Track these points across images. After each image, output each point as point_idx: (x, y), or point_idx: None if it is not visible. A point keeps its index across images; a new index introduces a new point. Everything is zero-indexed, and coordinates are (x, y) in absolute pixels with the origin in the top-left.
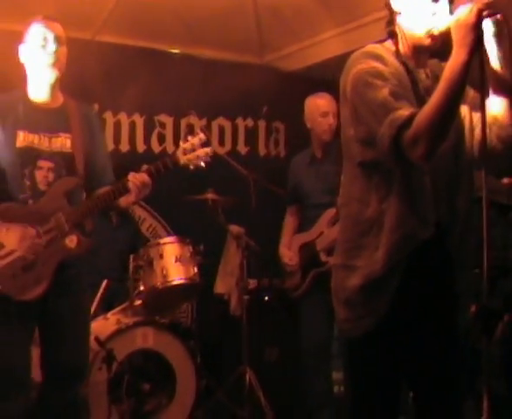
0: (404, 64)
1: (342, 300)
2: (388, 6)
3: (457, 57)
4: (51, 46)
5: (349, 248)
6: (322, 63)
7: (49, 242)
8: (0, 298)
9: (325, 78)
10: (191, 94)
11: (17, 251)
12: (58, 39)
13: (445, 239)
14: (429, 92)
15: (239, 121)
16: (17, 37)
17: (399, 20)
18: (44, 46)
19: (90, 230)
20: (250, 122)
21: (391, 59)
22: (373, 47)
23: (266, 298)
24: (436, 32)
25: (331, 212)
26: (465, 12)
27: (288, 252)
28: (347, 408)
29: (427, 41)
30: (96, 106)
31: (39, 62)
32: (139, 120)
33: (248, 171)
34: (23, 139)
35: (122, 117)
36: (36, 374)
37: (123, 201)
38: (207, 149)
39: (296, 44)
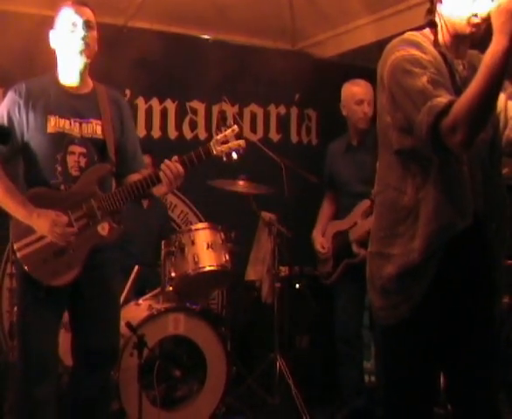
0: (442, 54)
1: (377, 288)
2: None
3: (497, 43)
4: (81, 32)
5: (385, 236)
6: (356, 50)
7: (81, 228)
8: (30, 283)
9: (359, 65)
10: (224, 81)
11: (48, 238)
12: (87, 24)
13: (482, 229)
14: (466, 83)
15: (272, 108)
16: (47, 23)
17: (440, 9)
18: (73, 32)
19: (120, 218)
20: (282, 109)
21: (430, 48)
22: (412, 34)
23: (298, 285)
24: (477, 19)
25: (366, 203)
26: None
27: (321, 238)
28: (378, 398)
29: (468, 29)
30: (128, 92)
31: (69, 47)
32: (171, 107)
33: (280, 158)
34: (54, 124)
35: (154, 103)
36: (67, 358)
37: (156, 190)
38: (240, 141)
39: (330, 30)
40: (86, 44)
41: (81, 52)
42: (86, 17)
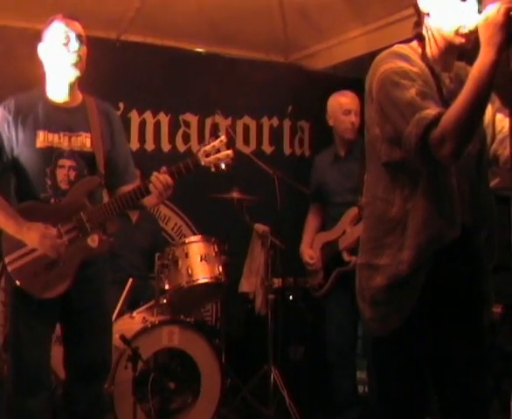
0: (429, 67)
1: (367, 299)
2: (416, 8)
3: (485, 56)
4: (74, 45)
5: (373, 247)
6: (348, 62)
7: (71, 241)
8: (22, 296)
9: (351, 77)
10: (216, 93)
11: (39, 250)
12: (79, 38)
13: (470, 239)
14: (453, 96)
15: (264, 120)
16: (39, 37)
17: (428, 21)
18: (66, 45)
19: (114, 230)
20: (275, 121)
21: (418, 61)
22: (400, 47)
23: (291, 297)
24: (464, 30)
25: (354, 211)
26: (493, 11)
27: (308, 251)
28: (371, 409)
29: (457, 40)
30: (122, 106)
31: (61, 61)
32: (164, 120)
33: (273, 170)
34: (43, 139)
35: (147, 116)
36: (61, 371)
37: (146, 202)
38: (229, 151)
39: (322, 43)
40: (79, 57)
41: (75, 65)
42: (78, 31)
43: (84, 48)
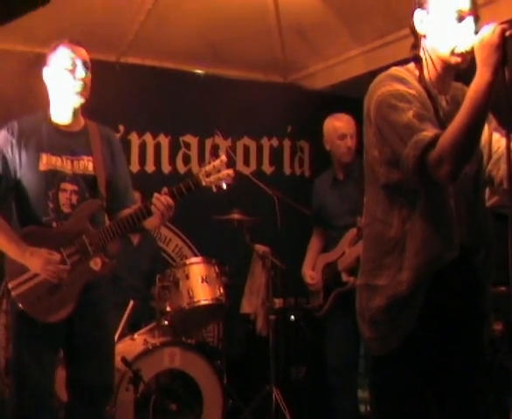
0: (426, 89)
1: (366, 320)
2: (413, 30)
3: (481, 76)
4: (81, 72)
5: (372, 268)
6: (347, 81)
7: (73, 265)
8: (26, 321)
9: (349, 96)
10: (216, 115)
11: (42, 275)
12: (85, 65)
13: (468, 259)
14: (449, 117)
15: (264, 141)
16: (40, 60)
17: (425, 43)
18: (72, 71)
19: (115, 252)
20: (275, 142)
21: (414, 83)
22: (396, 70)
23: (292, 317)
24: (460, 50)
25: (353, 232)
26: (488, 32)
27: (310, 272)
28: None
29: (453, 60)
30: (121, 128)
31: (67, 87)
32: (164, 141)
33: (273, 191)
34: (46, 162)
35: (148, 138)
36: (63, 394)
37: (148, 224)
38: (229, 171)
39: (320, 63)
40: (85, 85)
41: (80, 93)
42: (84, 58)
43: (89, 75)
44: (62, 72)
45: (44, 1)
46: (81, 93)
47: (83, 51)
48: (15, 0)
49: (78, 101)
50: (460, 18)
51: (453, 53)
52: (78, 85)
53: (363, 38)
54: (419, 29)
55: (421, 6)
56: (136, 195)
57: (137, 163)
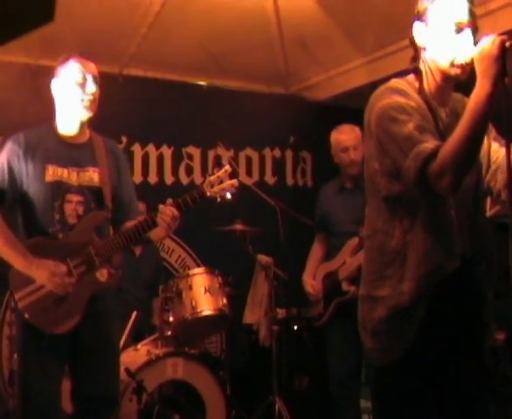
0: (426, 101)
1: (368, 330)
2: (413, 43)
3: (481, 88)
4: (91, 87)
5: (374, 279)
6: (349, 92)
7: (80, 276)
8: (32, 332)
9: (352, 107)
10: (218, 126)
11: (48, 287)
12: (95, 80)
13: (469, 269)
14: (449, 129)
15: (267, 152)
16: (44, 72)
17: (424, 55)
18: (82, 85)
19: (119, 263)
20: (277, 152)
21: (414, 95)
22: (396, 82)
23: (295, 327)
24: (460, 61)
25: (354, 241)
26: (488, 44)
27: (311, 281)
28: None
29: (452, 71)
30: (124, 139)
31: (76, 100)
32: (167, 152)
33: (276, 201)
34: (52, 173)
35: (150, 149)
36: (67, 405)
37: (154, 235)
38: (233, 181)
39: (322, 73)
40: (94, 100)
41: (88, 107)
42: (94, 72)
43: (98, 89)
44: (72, 85)
45: (48, 18)
46: (90, 107)
47: (92, 66)
48: (20, 18)
49: (86, 115)
50: (459, 30)
51: (452, 65)
52: (87, 100)
53: (365, 49)
54: (419, 41)
55: (420, 18)
56: (141, 207)
57: (140, 174)
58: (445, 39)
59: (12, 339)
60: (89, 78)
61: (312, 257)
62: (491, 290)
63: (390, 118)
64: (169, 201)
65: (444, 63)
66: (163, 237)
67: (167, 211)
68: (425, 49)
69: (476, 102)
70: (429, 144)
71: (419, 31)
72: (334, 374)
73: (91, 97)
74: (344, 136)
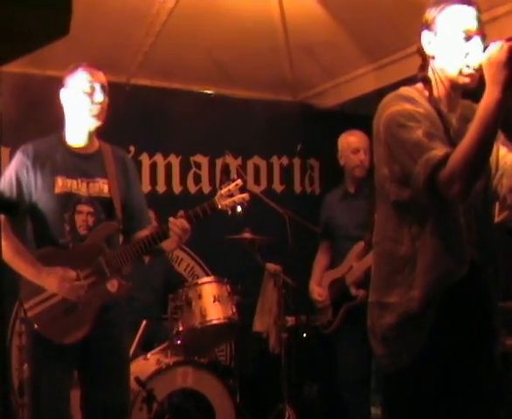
0: (436, 108)
1: (378, 337)
2: (421, 51)
3: (490, 95)
4: (99, 96)
5: (383, 285)
6: (356, 99)
7: (90, 286)
8: (41, 342)
9: (359, 114)
10: (226, 134)
11: (58, 295)
12: (103, 89)
13: (477, 275)
14: (459, 136)
15: (274, 160)
16: (52, 83)
17: (433, 64)
18: (90, 95)
19: (129, 271)
20: (285, 160)
21: (423, 102)
22: (405, 90)
23: (305, 334)
24: (469, 70)
25: (360, 245)
26: (496, 50)
27: (317, 288)
28: None
29: (461, 80)
30: (132, 149)
31: (84, 110)
32: (175, 161)
33: (284, 209)
34: (61, 184)
35: (158, 158)
36: (76, 415)
37: (164, 246)
38: (244, 195)
39: (329, 81)
40: (102, 109)
41: (96, 116)
42: (102, 82)
43: (106, 99)
44: (80, 94)
45: (64, 32)
46: (98, 117)
47: (101, 75)
48: (36, 32)
49: (94, 125)
50: (468, 38)
51: (461, 73)
52: (95, 109)
53: (372, 56)
54: (427, 50)
55: (428, 28)
56: (151, 215)
57: (148, 184)
58: (454, 48)
59: (22, 349)
60: (97, 87)
61: (317, 266)
62: (499, 295)
63: (399, 124)
64: (181, 213)
65: (453, 71)
66: (173, 249)
67: (177, 223)
68: (433, 58)
69: (485, 109)
70: (438, 151)
71: (428, 40)
72: (343, 381)
73: (99, 106)
74: (356, 138)
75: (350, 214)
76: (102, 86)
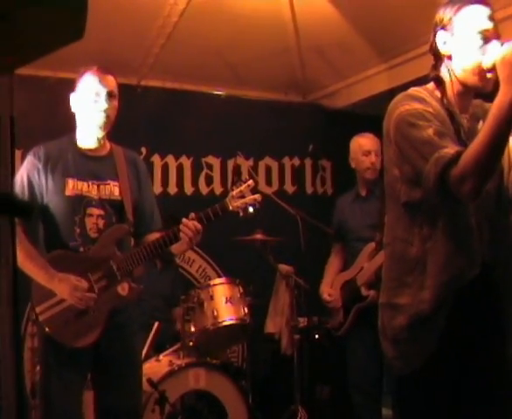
0: (447, 108)
1: (389, 338)
2: (434, 51)
3: (504, 94)
4: (103, 104)
5: (394, 286)
6: (368, 99)
7: (101, 290)
8: (53, 345)
9: (371, 114)
10: (237, 135)
11: (69, 301)
12: (110, 94)
13: (490, 276)
14: (470, 136)
15: (286, 161)
16: (63, 85)
17: (449, 64)
18: (96, 102)
19: (140, 274)
20: (296, 161)
21: (433, 102)
22: (415, 90)
23: (317, 336)
24: (485, 72)
25: (371, 246)
26: (510, 49)
27: (327, 289)
28: None
29: (478, 81)
30: (144, 150)
31: (89, 116)
32: (186, 163)
33: (296, 210)
34: (72, 187)
35: (170, 160)
36: (89, 417)
37: (175, 248)
38: (256, 196)
39: (341, 81)
40: (107, 117)
41: (101, 125)
42: (110, 87)
43: (114, 104)
44: (86, 100)
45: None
46: (104, 125)
47: (110, 79)
48: (51, 36)
49: (99, 133)
50: (486, 39)
51: (478, 74)
52: (100, 117)
53: (384, 56)
54: (443, 50)
55: (444, 28)
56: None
57: (160, 185)
58: (472, 48)
59: (34, 350)
60: (103, 93)
61: (329, 268)
62: (510, 294)
63: (410, 124)
64: (192, 215)
65: (469, 73)
66: (184, 251)
67: (189, 225)
68: (449, 57)
69: (499, 108)
70: (449, 150)
71: (444, 40)
72: (354, 382)
73: (103, 115)
74: (367, 140)
75: (362, 216)
76: (109, 93)
